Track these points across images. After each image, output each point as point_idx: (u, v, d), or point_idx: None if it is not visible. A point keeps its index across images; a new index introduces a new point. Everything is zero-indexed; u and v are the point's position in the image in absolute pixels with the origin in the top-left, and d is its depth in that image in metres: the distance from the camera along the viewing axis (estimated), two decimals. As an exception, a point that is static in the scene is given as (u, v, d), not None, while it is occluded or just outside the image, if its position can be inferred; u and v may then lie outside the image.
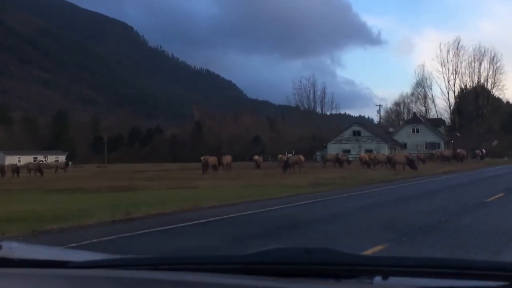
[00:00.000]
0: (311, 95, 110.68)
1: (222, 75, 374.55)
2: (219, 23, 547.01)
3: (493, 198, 18.14)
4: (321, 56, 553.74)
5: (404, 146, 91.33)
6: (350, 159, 64.41)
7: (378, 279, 1.61)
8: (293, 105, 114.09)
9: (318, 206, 17.44)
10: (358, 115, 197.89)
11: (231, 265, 1.80)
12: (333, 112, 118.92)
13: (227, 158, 48.33)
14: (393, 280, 1.61)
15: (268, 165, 64.62)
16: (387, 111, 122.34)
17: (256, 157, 54.71)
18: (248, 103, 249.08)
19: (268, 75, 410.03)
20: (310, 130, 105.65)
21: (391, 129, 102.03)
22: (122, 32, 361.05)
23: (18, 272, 1.90)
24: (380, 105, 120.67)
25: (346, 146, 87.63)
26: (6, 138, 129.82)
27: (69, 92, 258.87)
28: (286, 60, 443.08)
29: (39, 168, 43.32)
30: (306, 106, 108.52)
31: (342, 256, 1.72)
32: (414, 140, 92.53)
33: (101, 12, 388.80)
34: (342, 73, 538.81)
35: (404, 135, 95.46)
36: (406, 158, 45.62)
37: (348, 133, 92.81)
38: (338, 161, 57.87)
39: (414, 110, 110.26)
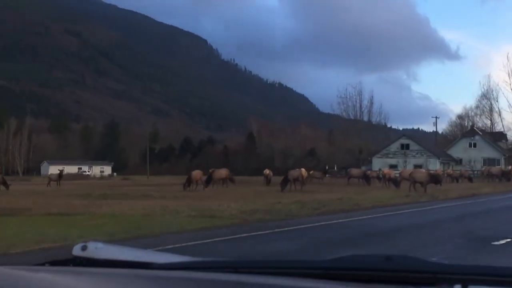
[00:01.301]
0: (357, 104, 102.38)
1: (294, 88, 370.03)
2: (293, 36, 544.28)
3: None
4: (397, 71, 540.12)
5: (459, 161, 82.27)
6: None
7: (457, 287, 1.58)
8: (338, 113, 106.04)
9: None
10: (432, 131, 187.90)
11: (310, 270, 1.81)
12: (381, 122, 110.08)
13: (220, 173, 42.29)
14: None
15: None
16: (450, 125, 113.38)
17: (266, 171, 48.53)
18: (320, 117, 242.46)
19: (342, 89, 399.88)
20: (365, 144, 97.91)
21: None
22: (195, 45, 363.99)
23: (103, 271, 1.96)
24: (437, 117, 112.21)
25: (392, 161, 78.85)
26: (60, 147, 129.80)
27: (141, 103, 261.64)
28: (362, 74, 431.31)
29: (3, 181, 39.25)
30: (351, 116, 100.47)
31: (423, 263, 1.70)
32: (471, 155, 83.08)
33: (175, 25, 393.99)
34: (418, 88, 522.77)
35: (460, 150, 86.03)
36: (428, 176, 38.42)
37: (395, 146, 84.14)
38: (366, 178, 50.86)
39: (479, 124, 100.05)
